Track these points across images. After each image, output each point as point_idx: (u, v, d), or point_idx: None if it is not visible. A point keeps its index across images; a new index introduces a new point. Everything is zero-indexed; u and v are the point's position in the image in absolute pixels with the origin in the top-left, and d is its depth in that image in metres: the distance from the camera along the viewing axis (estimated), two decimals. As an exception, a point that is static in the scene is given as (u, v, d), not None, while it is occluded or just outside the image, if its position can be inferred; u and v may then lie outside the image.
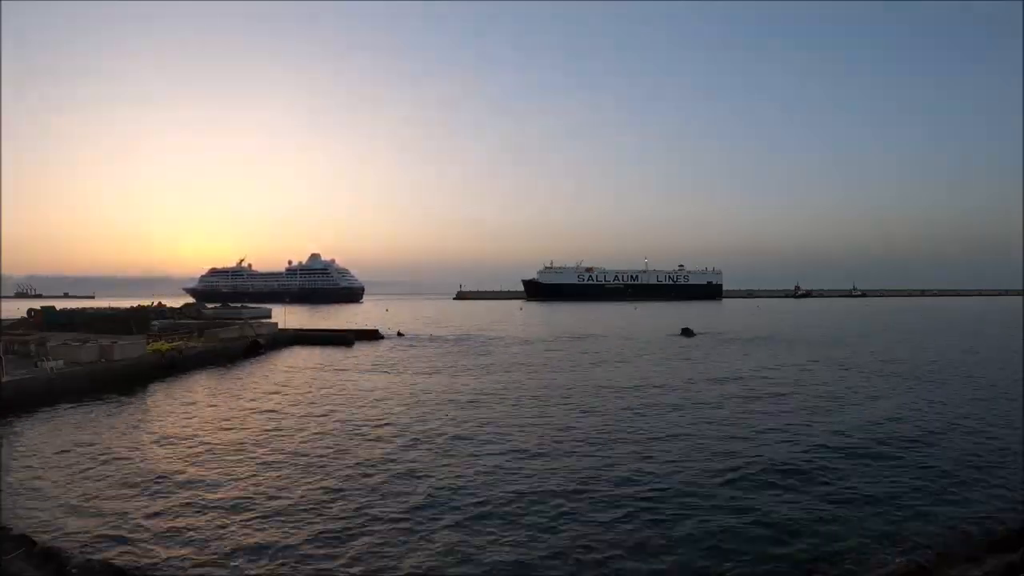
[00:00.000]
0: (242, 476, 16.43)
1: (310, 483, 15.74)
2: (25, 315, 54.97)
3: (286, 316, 66.42)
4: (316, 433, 21.40)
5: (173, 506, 14.08)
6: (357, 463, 17.58)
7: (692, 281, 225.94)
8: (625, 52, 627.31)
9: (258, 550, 11.72)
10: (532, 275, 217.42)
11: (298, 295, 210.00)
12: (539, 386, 31.50)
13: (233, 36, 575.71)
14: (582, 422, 22.86)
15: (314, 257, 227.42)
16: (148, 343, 39.68)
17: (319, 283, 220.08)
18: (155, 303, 65.95)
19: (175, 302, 77.74)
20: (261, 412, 25.40)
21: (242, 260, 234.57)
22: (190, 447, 19.63)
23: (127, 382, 32.40)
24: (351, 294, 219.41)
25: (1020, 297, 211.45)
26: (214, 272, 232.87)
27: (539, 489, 15.12)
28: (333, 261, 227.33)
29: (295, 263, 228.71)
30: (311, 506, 14.05)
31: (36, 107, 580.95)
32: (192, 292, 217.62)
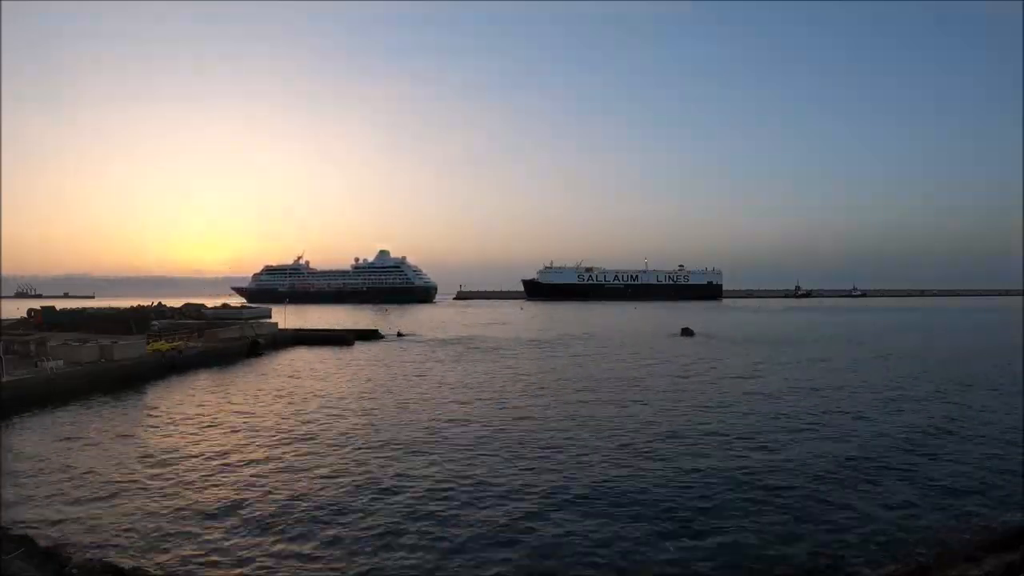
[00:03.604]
0: (241, 476, 16.44)
1: (309, 483, 15.78)
2: (25, 315, 54.99)
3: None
4: (317, 431, 21.41)
5: (172, 506, 14.09)
6: (355, 471, 17.60)
7: (692, 281, 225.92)
8: (625, 52, 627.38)
9: (257, 549, 11.74)
10: (532, 275, 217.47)
11: (367, 295, 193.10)
12: (542, 385, 31.52)
13: (231, 36, 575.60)
14: (590, 422, 22.95)
15: (383, 254, 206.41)
16: (148, 343, 39.73)
17: (392, 282, 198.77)
18: (154, 303, 65.88)
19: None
20: (261, 412, 25.40)
21: (299, 257, 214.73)
22: (190, 447, 19.63)
23: (127, 382, 32.42)
24: (425, 294, 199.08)
25: (1020, 297, 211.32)
26: (269, 270, 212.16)
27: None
28: (404, 258, 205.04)
29: (362, 260, 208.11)
30: (313, 507, 14.08)
31: (36, 107, 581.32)
32: (243, 292, 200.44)
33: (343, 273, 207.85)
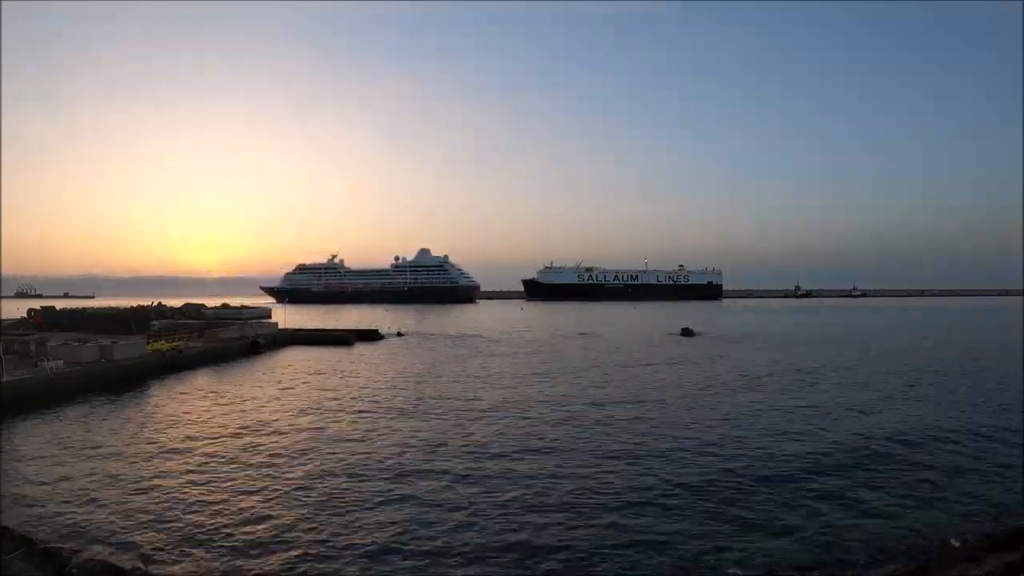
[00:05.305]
0: (241, 476, 16.44)
1: (313, 483, 15.78)
2: (25, 315, 55.00)
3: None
4: (317, 431, 21.41)
5: (172, 506, 14.09)
6: (352, 469, 17.61)
7: (692, 281, 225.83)
8: (625, 52, 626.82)
9: (257, 548, 11.73)
10: (532, 275, 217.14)
11: (408, 295, 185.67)
12: (542, 386, 31.51)
13: (231, 36, 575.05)
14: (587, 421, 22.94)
15: (423, 252, 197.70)
16: (148, 343, 39.73)
17: (434, 281, 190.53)
18: (154, 303, 65.88)
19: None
20: (260, 412, 25.39)
21: (334, 255, 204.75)
22: (189, 447, 19.61)
23: (127, 382, 32.43)
24: (469, 293, 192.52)
25: (1020, 297, 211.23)
26: (303, 269, 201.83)
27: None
28: (446, 257, 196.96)
29: (402, 259, 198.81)
30: (317, 506, 14.09)
31: (36, 107, 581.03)
32: (273, 292, 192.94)
33: (382, 273, 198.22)
